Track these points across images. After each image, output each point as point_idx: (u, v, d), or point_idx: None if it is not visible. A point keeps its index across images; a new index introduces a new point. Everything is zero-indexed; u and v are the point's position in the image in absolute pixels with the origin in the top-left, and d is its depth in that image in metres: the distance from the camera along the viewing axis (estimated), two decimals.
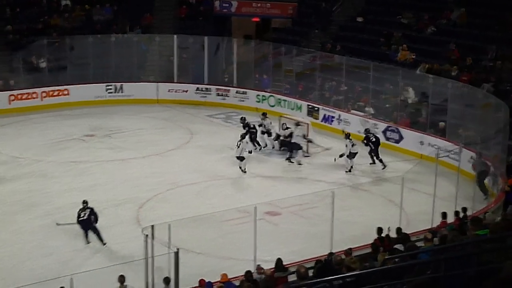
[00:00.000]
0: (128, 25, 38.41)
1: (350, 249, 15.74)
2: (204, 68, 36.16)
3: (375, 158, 26.03)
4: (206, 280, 14.93)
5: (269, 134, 28.17)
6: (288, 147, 26.86)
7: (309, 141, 27.44)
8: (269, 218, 20.43)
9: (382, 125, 28.63)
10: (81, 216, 19.23)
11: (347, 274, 11.58)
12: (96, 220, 19.24)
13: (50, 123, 31.57)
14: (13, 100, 33.57)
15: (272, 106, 33.30)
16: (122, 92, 35.32)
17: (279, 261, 15.54)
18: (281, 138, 27.51)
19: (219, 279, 15.19)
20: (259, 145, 27.92)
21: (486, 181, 22.82)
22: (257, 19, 41.28)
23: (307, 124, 28.26)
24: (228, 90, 35.13)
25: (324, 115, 31.02)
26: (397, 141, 28.10)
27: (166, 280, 14.66)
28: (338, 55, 32.82)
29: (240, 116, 29.38)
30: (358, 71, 30.67)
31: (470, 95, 26.88)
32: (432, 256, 11.27)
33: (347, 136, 25.82)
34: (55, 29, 37.40)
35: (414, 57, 31.57)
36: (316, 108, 31.40)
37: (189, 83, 35.72)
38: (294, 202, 21.48)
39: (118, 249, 18.72)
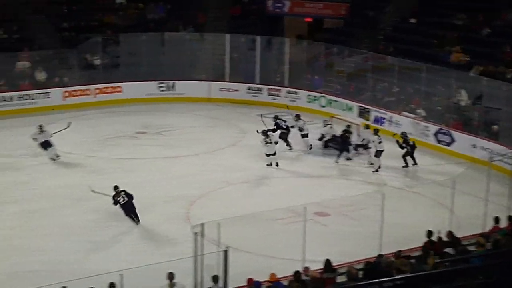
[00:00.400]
0: (181, 23, 38.64)
1: (400, 251, 15.64)
2: (256, 68, 36.23)
3: (408, 161, 25.83)
4: (254, 279, 14.94)
5: (304, 136, 28.10)
6: (340, 146, 26.71)
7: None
8: (318, 219, 20.36)
9: (434, 128, 28.36)
10: (120, 201, 20.08)
11: (397, 277, 11.51)
12: (132, 198, 20.09)
13: (103, 119, 31.95)
14: (67, 96, 34.07)
15: (323, 106, 33.22)
16: (174, 90, 35.54)
17: (327, 262, 15.49)
18: (327, 137, 27.48)
19: (267, 279, 15.20)
20: (289, 145, 27.86)
21: None
22: (309, 19, 41.20)
23: (358, 125, 28.17)
24: (280, 90, 35.13)
25: (375, 117, 30.84)
26: (449, 144, 27.81)
27: (215, 279, 14.69)
28: (390, 56, 32.61)
29: (274, 115, 29.29)
30: (410, 73, 30.44)
31: None
32: (485, 261, 11.16)
33: (376, 132, 25.68)
34: (110, 27, 37.80)
35: (468, 59, 31.20)
36: (367, 110, 31.24)
37: (241, 82, 35.80)
38: (343, 203, 21.43)
39: (167, 246, 18.82)
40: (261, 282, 14.98)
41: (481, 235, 16.18)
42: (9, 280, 16.70)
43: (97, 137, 29.08)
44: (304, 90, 34.50)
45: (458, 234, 16.98)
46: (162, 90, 35.46)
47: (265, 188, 23.87)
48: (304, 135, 28.07)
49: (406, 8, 37.27)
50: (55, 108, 32.94)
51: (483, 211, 18.89)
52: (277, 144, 26.46)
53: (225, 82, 36.12)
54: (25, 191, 22.86)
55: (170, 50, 36.59)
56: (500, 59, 30.31)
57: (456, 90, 29.00)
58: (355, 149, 26.96)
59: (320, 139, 27.99)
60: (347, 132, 26.87)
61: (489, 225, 18.29)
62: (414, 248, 16.53)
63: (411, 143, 25.96)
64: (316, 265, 15.55)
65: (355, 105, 31.91)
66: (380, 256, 15.29)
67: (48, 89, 33.94)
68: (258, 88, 35.51)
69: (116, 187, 20.42)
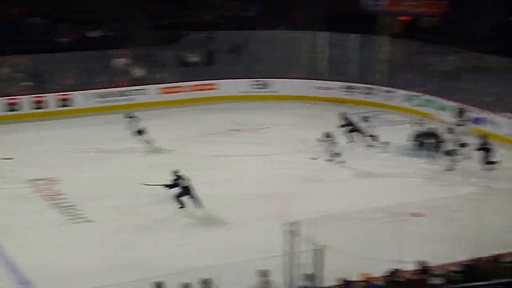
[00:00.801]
0: (277, 21, 38.66)
1: (498, 255, 15.27)
2: (351, 66, 36.01)
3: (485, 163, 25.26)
4: (348, 279, 14.83)
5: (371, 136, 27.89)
6: (434, 146, 26.23)
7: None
8: (413, 219, 20.06)
9: None
10: (180, 184, 21.10)
11: (496, 281, 11.23)
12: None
13: (198, 116, 32.28)
14: (163, 93, 34.57)
15: (419, 106, 32.74)
16: (269, 88, 35.64)
17: (422, 263, 15.26)
18: (419, 136, 27.02)
19: (361, 279, 15.07)
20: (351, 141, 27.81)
21: None
22: (406, 18, 40.65)
23: (452, 124, 27.66)
24: (375, 89, 34.82)
25: (472, 117, 30.19)
26: None
27: (311, 277, 14.62)
28: (489, 55, 31.90)
29: (343, 112, 29.01)
30: (509, 72, 29.71)
31: None
32: None
33: (472, 133, 25.24)
34: (206, 24, 38.17)
35: None
36: (463, 110, 30.62)
37: (336, 81, 35.60)
38: (439, 204, 21.07)
39: (259, 243, 18.82)
40: (354, 281, 14.87)
41: None
42: (104, 274, 17.00)
43: (193, 133, 29.40)
44: (399, 89, 34.07)
45: None
46: (257, 88, 35.60)
47: (360, 187, 23.66)
48: (370, 135, 27.88)
49: (507, 6, 36.36)
50: (152, 105, 33.47)
51: None
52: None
53: (320, 81, 35.97)
54: (121, 186, 23.26)
55: (266, 47, 36.72)
56: None
57: None
58: (448, 150, 26.43)
59: (413, 139, 27.59)
60: (439, 132, 26.40)
61: None
62: None
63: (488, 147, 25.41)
64: (410, 266, 15.34)
65: (451, 105, 31.33)
66: (477, 259, 14.96)
67: (145, 86, 34.54)
68: (353, 86, 35.27)
69: (175, 172, 21.29)
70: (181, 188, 21.34)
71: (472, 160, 25.12)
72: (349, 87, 35.29)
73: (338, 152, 25.77)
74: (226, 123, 30.82)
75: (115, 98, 33.72)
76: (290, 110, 33.06)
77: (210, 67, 36.29)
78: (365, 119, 28.28)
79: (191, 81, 35.18)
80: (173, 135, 29.01)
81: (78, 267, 17.52)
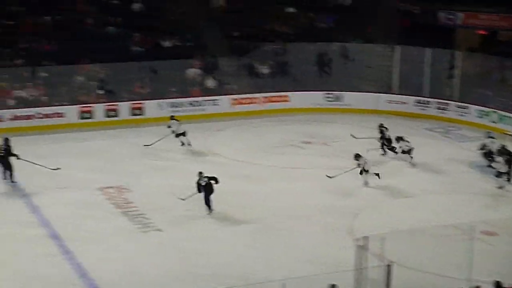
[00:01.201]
0: (349, 34, 38.48)
1: None
2: (424, 80, 35.56)
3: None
4: None
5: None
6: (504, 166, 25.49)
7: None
8: (485, 238, 19.62)
9: None
10: (202, 183, 21.67)
11: None
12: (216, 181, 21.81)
13: (269, 128, 32.26)
14: (235, 104, 34.68)
15: (494, 122, 32.08)
16: (341, 101, 35.44)
17: (497, 283, 14.88)
18: (495, 154, 26.37)
19: None
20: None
21: None
22: (483, 32, 39.95)
23: None
24: (449, 104, 34.26)
25: None
26: None
27: None
28: None
29: (380, 123, 28.66)
30: None
31: None
32: None
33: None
34: (279, 35, 38.21)
35: None
36: None
37: (409, 95, 35.17)
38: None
39: (328, 256, 18.64)
40: None
41: None
42: (172, 283, 17.07)
43: (263, 145, 29.37)
44: (474, 104, 33.45)
45: None
46: (329, 101, 35.44)
47: (426, 203, 23.25)
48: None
49: None
50: (223, 115, 33.62)
51: None
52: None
53: (393, 95, 35.61)
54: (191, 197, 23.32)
55: (338, 60, 36.57)
56: None
57: None
58: None
59: (485, 156, 26.98)
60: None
61: None
62: None
63: None
64: (483, 286, 14.97)
65: None
66: None
67: (217, 96, 34.71)
68: (426, 101, 34.79)
69: (200, 173, 21.86)
70: (204, 190, 21.91)
71: None
72: (422, 102, 34.82)
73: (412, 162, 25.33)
74: (297, 135, 30.71)
75: (187, 108, 33.94)
76: (362, 123, 32.74)
77: (282, 79, 36.30)
78: (399, 139, 27.67)
79: (263, 92, 35.23)
80: (243, 146, 29.09)
81: (146, 275, 17.62)
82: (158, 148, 28.50)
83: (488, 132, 28.06)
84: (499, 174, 24.94)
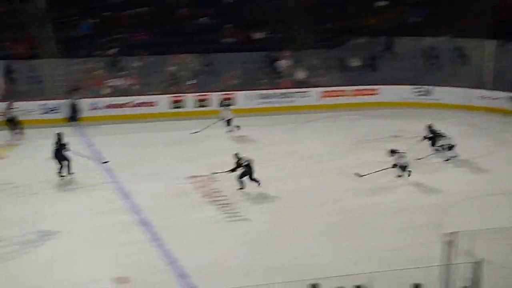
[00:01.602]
0: (441, 28, 37.97)
1: None
2: None
3: None
4: None
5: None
6: None
7: None
8: None
9: None
10: (242, 164, 22.82)
11: None
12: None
13: (358, 121, 32.19)
14: (324, 96, 34.72)
15: None
16: (431, 96, 35.06)
17: None
18: None
19: None
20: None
21: None
22: None
23: None
24: None
25: None
26: None
27: None
28: None
29: (428, 124, 27.78)
30: None
31: None
32: None
33: None
34: (370, 29, 38.01)
35: None
36: None
37: (503, 91, 34.51)
38: None
39: (414, 252, 18.43)
40: None
41: None
42: (257, 273, 17.22)
43: (350, 139, 29.28)
44: None
45: None
46: (419, 95, 35.09)
47: None
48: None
49: None
50: (312, 108, 33.68)
51: None
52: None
53: (486, 90, 34.97)
54: (277, 188, 23.45)
55: (429, 54, 36.16)
56: None
57: None
58: None
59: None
60: None
61: None
62: None
63: None
64: None
65: None
66: None
67: (307, 89, 34.84)
68: None
69: (236, 154, 23.04)
70: (243, 169, 22.87)
71: None
72: None
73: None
74: (386, 129, 30.49)
75: (277, 99, 34.16)
76: (452, 119, 32.32)
77: (372, 72, 36.14)
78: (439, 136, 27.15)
79: (352, 85, 35.15)
80: (331, 139, 29.06)
81: (232, 264, 17.80)
82: (249, 140, 28.74)
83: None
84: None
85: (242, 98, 33.81)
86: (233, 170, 23.04)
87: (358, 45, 37.03)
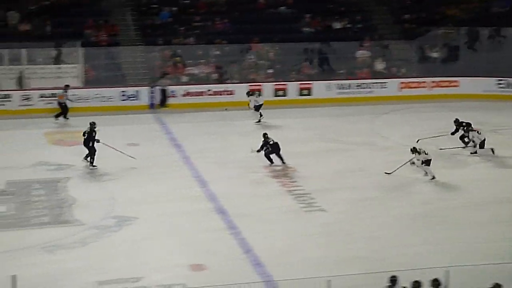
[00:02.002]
0: None
1: None
2: None
3: None
4: None
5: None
6: None
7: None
8: None
9: None
10: (270, 142, 24.18)
11: None
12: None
13: (436, 113, 31.75)
14: (403, 87, 34.39)
15: None
16: None
17: None
18: None
19: None
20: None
21: None
22: None
23: None
24: None
25: None
26: None
27: None
28: None
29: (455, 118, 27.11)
30: None
31: None
32: None
33: None
34: (451, 19, 37.44)
35: None
36: None
37: None
38: None
39: (492, 248, 18.11)
40: None
41: None
42: (333, 264, 17.16)
43: (427, 131, 28.77)
44: None
45: None
46: (501, 87, 34.44)
47: None
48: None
49: None
50: (391, 99, 33.34)
51: None
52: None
53: None
54: (355, 179, 23.34)
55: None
56: None
57: None
58: None
59: None
60: None
61: None
62: None
63: None
64: None
65: None
66: None
67: (385, 79, 34.55)
68: None
69: (265, 134, 24.46)
70: (269, 147, 24.14)
71: None
72: None
73: None
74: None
75: (355, 90, 33.99)
76: None
77: (452, 64, 35.62)
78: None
79: (431, 77, 34.70)
80: (408, 131, 28.65)
81: (308, 254, 17.78)
82: (328, 130, 28.69)
83: None
84: None
85: (320, 88, 33.71)
86: (259, 149, 24.12)
87: (438, 36, 36.47)
